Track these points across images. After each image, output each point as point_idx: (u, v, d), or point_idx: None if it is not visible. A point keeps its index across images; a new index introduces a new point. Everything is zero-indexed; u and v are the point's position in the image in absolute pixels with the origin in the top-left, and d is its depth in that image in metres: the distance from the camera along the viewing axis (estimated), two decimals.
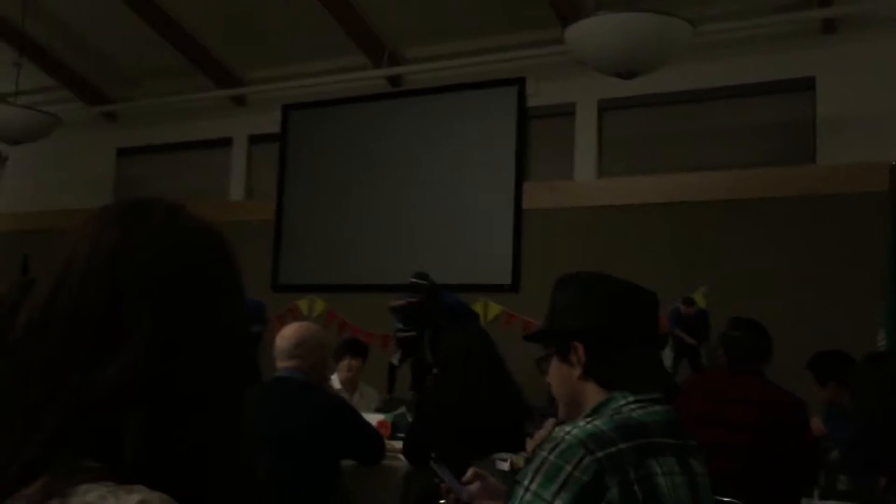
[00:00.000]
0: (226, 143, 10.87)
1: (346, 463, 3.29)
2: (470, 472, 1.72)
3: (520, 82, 9.15)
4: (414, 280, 7.86)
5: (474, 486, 1.70)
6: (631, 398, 1.47)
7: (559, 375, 1.58)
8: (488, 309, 8.91)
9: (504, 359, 3.78)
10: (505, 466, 3.08)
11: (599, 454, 1.33)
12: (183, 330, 0.77)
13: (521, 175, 9.09)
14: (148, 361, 0.74)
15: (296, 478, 2.82)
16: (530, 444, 3.31)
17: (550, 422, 3.39)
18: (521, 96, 9.16)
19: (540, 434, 3.28)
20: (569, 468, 1.33)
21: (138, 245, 0.78)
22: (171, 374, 0.76)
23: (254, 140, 10.78)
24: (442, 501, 1.72)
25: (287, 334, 3.10)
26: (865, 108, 7.62)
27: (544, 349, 1.64)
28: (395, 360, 8.10)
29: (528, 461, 1.45)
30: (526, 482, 1.36)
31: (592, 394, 1.52)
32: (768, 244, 7.85)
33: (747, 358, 3.37)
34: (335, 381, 4.92)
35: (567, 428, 1.40)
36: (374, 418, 4.23)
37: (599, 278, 1.61)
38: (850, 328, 6.54)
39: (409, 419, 4.27)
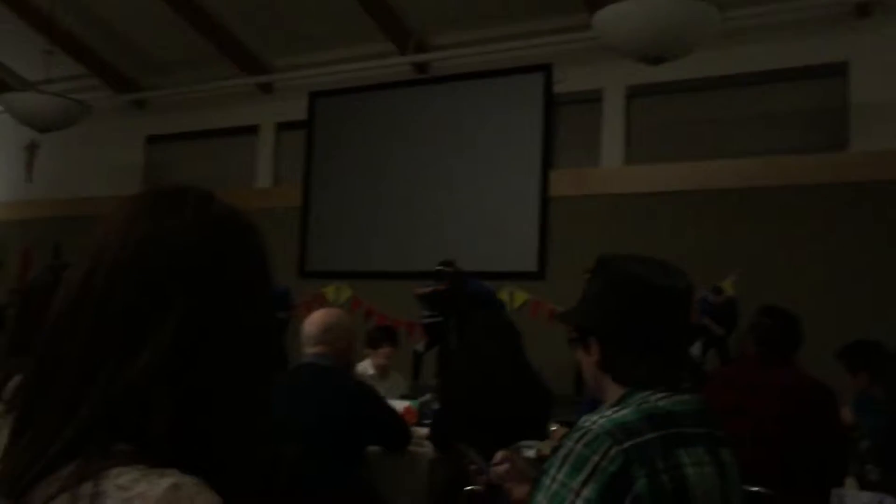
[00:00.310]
0: (253, 130, 10.93)
1: (372, 449, 3.31)
2: (499, 454, 1.72)
3: (546, 69, 9.09)
4: (440, 267, 7.87)
5: (503, 468, 1.70)
6: (651, 396, 1.45)
7: (583, 361, 1.57)
8: (514, 296, 8.90)
9: (525, 346, 3.78)
10: (531, 454, 3.08)
11: (627, 444, 1.33)
12: (213, 317, 0.78)
13: (547, 162, 9.05)
14: (179, 348, 0.75)
15: (322, 463, 2.83)
16: (550, 440, 3.31)
17: (559, 431, 3.40)
18: (548, 83, 9.11)
19: (550, 441, 3.27)
20: (596, 458, 1.32)
21: (169, 234, 0.79)
22: (201, 360, 0.77)
23: (281, 127, 10.82)
24: (468, 487, 1.73)
25: (315, 320, 3.11)
26: None
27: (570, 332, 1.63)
28: (420, 347, 8.13)
29: (554, 450, 1.44)
30: (553, 471, 1.36)
31: (611, 387, 1.51)
32: (799, 232, 7.76)
33: (777, 347, 3.33)
34: (368, 367, 4.95)
35: (594, 417, 1.40)
36: (400, 405, 4.24)
37: (628, 271, 1.54)
38: (883, 317, 6.46)
39: (435, 406, 4.28)
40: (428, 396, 4.79)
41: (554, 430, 3.48)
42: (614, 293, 1.53)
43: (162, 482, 0.69)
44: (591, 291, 1.59)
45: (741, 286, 7.69)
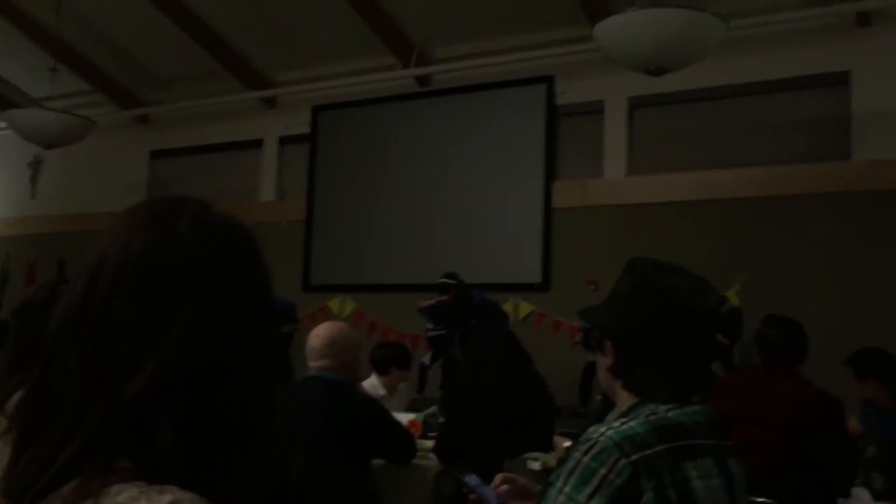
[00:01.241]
0: (257, 144, 10.96)
1: (377, 462, 3.31)
2: (499, 477, 1.71)
3: (548, 80, 9.11)
4: (443, 280, 7.86)
5: (503, 489, 1.68)
6: (661, 407, 1.43)
7: (600, 363, 1.56)
8: (519, 308, 8.89)
9: (531, 358, 3.77)
10: (537, 466, 3.08)
11: (634, 457, 1.32)
12: (215, 329, 0.78)
13: (550, 174, 9.06)
14: (181, 362, 0.75)
15: (328, 476, 2.83)
16: (554, 452, 3.30)
17: (560, 442, 3.39)
18: (550, 94, 9.13)
19: (555, 453, 3.26)
20: (603, 471, 1.31)
21: (167, 246, 0.79)
22: (204, 374, 0.76)
23: (284, 141, 10.85)
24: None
25: (319, 334, 3.12)
26: None
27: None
28: (426, 360, 8.11)
29: (560, 462, 1.44)
30: (559, 484, 1.35)
31: (622, 394, 1.50)
32: (802, 242, 7.75)
33: (783, 357, 3.33)
34: (379, 388, 4.73)
35: (602, 428, 1.39)
36: (405, 417, 4.24)
37: (658, 280, 1.50)
38: (887, 326, 6.44)
39: (440, 418, 4.27)
40: (433, 409, 4.78)
41: (557, 440, 3.47)
42: (638, 301, 1.50)
43: (161, 499, 0.69)
44: (617, 293, 1.56)
45: (745, 295, 7.68)
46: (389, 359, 4.86)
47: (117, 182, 11.40)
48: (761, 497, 2.77)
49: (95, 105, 11.23)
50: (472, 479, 1.69)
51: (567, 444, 3.21)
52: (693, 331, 1.48)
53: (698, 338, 1.50)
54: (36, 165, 12.46)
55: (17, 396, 1.50)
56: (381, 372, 4.78)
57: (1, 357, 1.85)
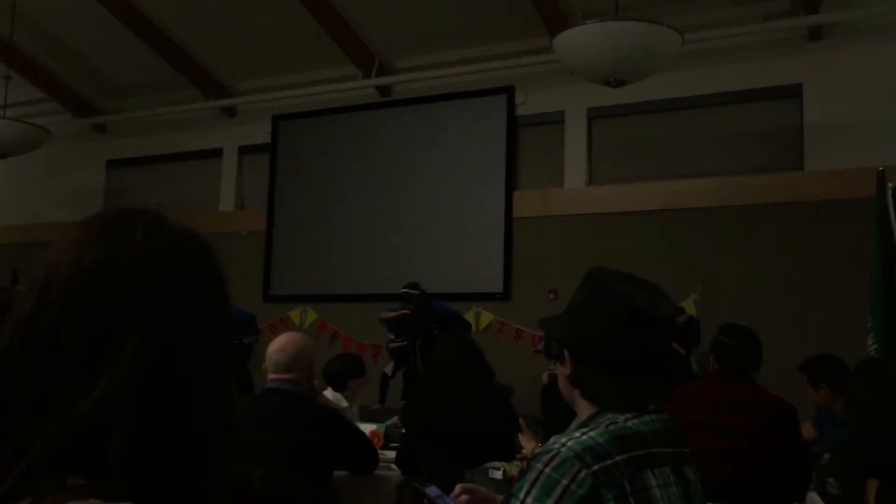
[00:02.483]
0: (216, 153, 10.86)
1: (339, 473, 3.29)
2: (458, 488, 1.71)
3: (509, 91, 9.18)
4: (405, 290, 7.86)
5: (463, 499, 1.69)
6: (619, 416, 1.45)
7: (560, 372, 1.57)
8: (480, 318, 8.92)
9: (491, 366, 3.79)
10: (498, 475, 3.09)
11: (595, 467, 1.34)
12: (170, 344, 0.76)
13: (511, 183, 9.12)
14: (135, 377, 0.73)
15: (289, 489, 2.81)
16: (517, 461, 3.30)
17: (527, 438, 3.39)
18: (511, 105, 9.20)
19: (516, 462, 3.26)
20: (565, 482, 1.33)
21: (120, 259, 0.76)
22: (158, 388, 0.74)
23: (244, 151, 10.77)
24: None
25: (284, 347, 3.10)
26: (852, 114, 7.68)
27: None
28: (387, 371, 8.09)
29: (522, 472, 1.45)
30: (521, 495, 1.36)
31: (581, 402, 1.52)
32: (758, 250, 7.89)
33: (738, 365, 3.39)
34: (342, 400, 4.73)
35: (563, 439, 1.40)
36: (366, 428, 4.22)
37: (615, 289, 1.52)
38: (840, 333, 6.58)
39: (402, 429, 4.26)
40: (394, 420, 4.77)
41: (524, 438, 3.46)
42: (595, 311, 1.52)
43: None
44: (575, 303, 1.58)
45: (701, 304, 7.79)
46: (345, 372, 4.79)
47: (73, 191, 11.23)
48: (718, 503, 2.81)
49: (51, 113, 11.05)
50: (432, 491, 1.69)
51: (532, 445, 3.22)
52: (649, 339, 1.50)
53: (654, 346, 1.53)
54: None
55: None
56: (339, 387, 4.74)
57: None
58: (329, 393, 4.60)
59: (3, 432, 0.73)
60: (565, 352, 1.54)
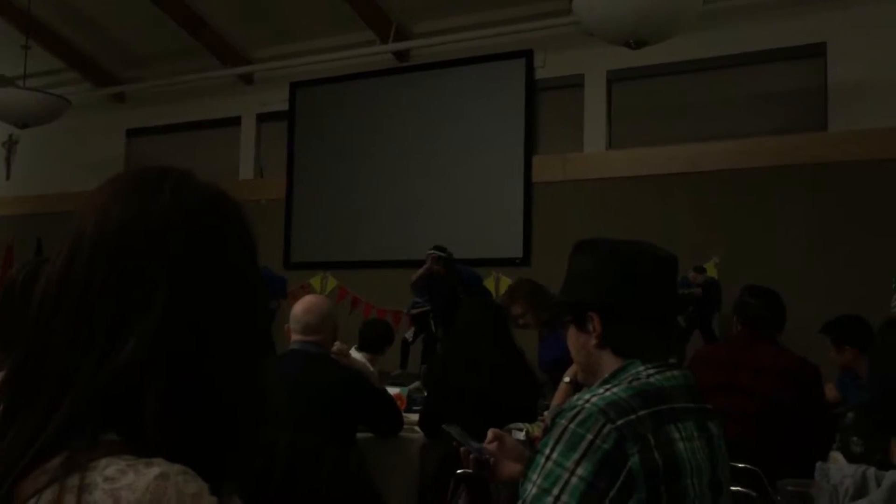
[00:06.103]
0: (234, 121, 10.87)
1: (363, 435, 3.33)
2: (491, 433, 1.74)
3: (527, 55, 9.09)
4: (434, 251, 7.78)
5: (493, 446, 1.71)
6: (647, 365, 1.48)
7: (577, 343, 1.59)
8: (500, 282, 8.92)
9: (513, 331, 3.80)
10: (521, 436, 3.11)
11: (619, 422, 1.35)
12: (200, 300, 0.76)
13: (530, 148, 9.07)
14: (166, 334, 0.74)
15: (315, 451, 2.85)
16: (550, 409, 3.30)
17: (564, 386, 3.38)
18: (530, 69, 9.11)
19: (539, 423, 3.27)
20: (590, 437, 1.34)
21: (148, 216, 0.77)
22: (189, 346, 0.75)
23: (262, 118, 10.77)
24: (459, 471, 1.72)
25: (307, 307, 3.13)
26: (877, 73, 7.55)
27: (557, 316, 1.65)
28: (408, 336, 8.12)
29: (546, 430, 1.46)
30: (547, 451, 1.37)
31: (608, 361, 1.53)
32: (780, 213, 7.82)
33: (762, 325, 3.38)
34: (368, 364, 4.73)
35: (586, 396, 1.41)
36: (389, 391, 4.25)
37: (618, 246, 1.59)
38: (865, 295, 6.54)
39: (424, 392, 4.29)
40: (417, 384, 4.81)
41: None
42: (611, 267, 1.56)
43: (149, 472, 0.68)
44: (580, 270, 1.61)
45: (724, 267, 7.75)
46: (385, 338, 4.81)
47: (93, 161, 11.28)
48: (741, 463, 2.82)
49: (70, 83, 11.08)
50: (458, 433, 1.72)
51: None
52: (666, 280, 1.57)
53: (670, 287, 1.60)
54: (10, 145, 12.30)
55: (1, 375, 1.50)
56: (377, 351, 4.74)
57: None
58: (359, 356, 4.62)
59: (37, 389, 0.74)
60: (592, 314, 1.54)
